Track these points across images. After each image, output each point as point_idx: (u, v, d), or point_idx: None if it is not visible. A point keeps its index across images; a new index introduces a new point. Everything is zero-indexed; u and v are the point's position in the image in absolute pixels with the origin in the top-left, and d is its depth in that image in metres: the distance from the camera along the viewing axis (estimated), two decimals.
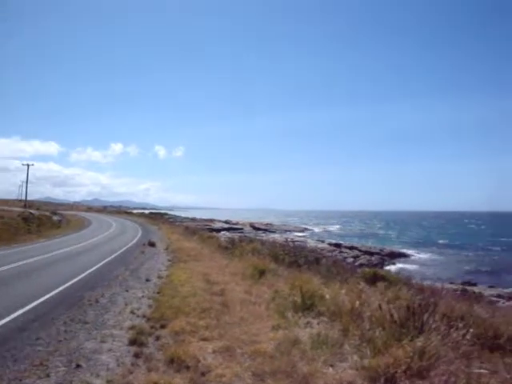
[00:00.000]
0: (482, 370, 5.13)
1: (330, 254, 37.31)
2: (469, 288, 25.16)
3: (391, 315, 5.78)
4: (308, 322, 7.55)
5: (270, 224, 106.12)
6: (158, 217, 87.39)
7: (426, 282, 15.18)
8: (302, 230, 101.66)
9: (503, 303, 24.79)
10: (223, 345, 6.50)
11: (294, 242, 34.57)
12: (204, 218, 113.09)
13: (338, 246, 55.86)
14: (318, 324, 7.38)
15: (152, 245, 25.34)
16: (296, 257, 16.14)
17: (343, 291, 9.13)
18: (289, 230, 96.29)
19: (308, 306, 8.31)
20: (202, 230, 48.68)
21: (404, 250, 60.53)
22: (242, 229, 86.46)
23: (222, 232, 68.41)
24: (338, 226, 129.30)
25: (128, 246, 25.15)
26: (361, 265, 38.93)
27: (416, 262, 52.51)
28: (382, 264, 44.80)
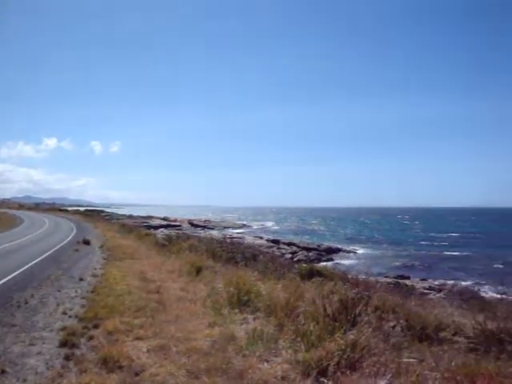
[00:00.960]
0: (410, 360, 5.31)
1: (267, 250, 37.57)
2: (402, 281, 26.03)
3: (325, 309, 5.89)
4: (244, 318, 7.57)
5: (209, 221, 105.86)
6: (94, 214, 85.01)
7: (362, 277, 15.57)
8: (241, 227, 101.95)
9: (434, 295, 25.85)
10: (158, 343, 6.41)
11: (231, 238, 34.68)
12: (142, 215, 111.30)
13: (276, 242, 56.33)
14: (254, 320, 7.41)
15: (87, 243, 24.66)
16: (233, 253, 16.18)
17: (279, 287, 9.23)
18: (227, 227, 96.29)
19: (244, 302, 8.34)
20: (140, 228, 47.79)
21: (341, 246, 61.92)
22: (180, 226, 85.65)
23: (160, 229, 67.46)
24: (275, 223, 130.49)
25: (61, 245, 24.30)
26: (299, 260, 39.52)
27: (352, 257, 53.84)
28: (319, 259, 45.60)
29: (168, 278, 12.68)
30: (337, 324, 5.51)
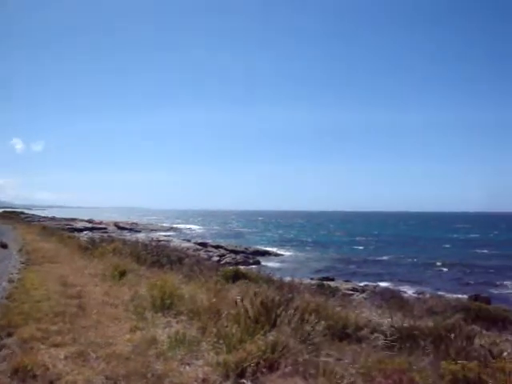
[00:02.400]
0: (328, 359, 5.45)
1: (194, 253, 37.44)
2: (326, 283, 26.64)
3: (246, 311, 5.94)
4: (167, 322, 7.48)
5: (136, 223, 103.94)
6: (13, 216, 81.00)
7: (288, 279, 15.82)
8: (168, 229, 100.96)
9: (357, 296, 26.77)
10: (76, 350, 6.19)
11: (158, 241, 34.20)
12: (65, 217, 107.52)
13: (203, 245, 56.26)
14: (177, 323, 7.34)
15: (4, 246, 23.43)
16: (159, 256, 15.98)
17: (203, 290, 9.20)
18: (155, 230, 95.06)
19: (168, 305, 8.25)
20: (63, 230, 46.21)
21: (269, 249, 62.76)
22: (105, 228, 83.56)
23: (85, 232, 65.60)
24: (203, 225, 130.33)
25: None
26: (226, 263, 39.66)
27: (280, 259, 54.76)
28: (247, 262, 45.98)
29: (90, 282, 12.30)
30: (258, 326, 5.57)
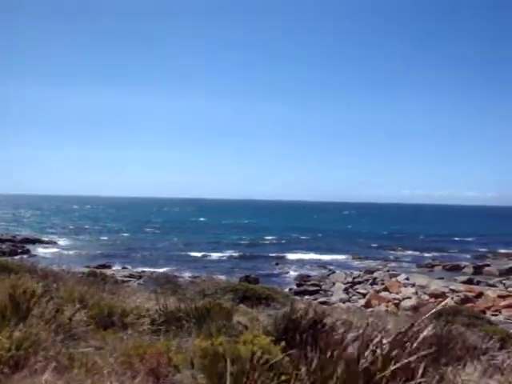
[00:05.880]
0: (88, 349, 5.18)
1: None
2: (101, 271, 25.89)
3: None
4: None
5: None
6: None
7: (62, 268, 14.83)
8: None
9: (134, 282, 26.66)
10: None
11: None
12: None
13: None
14: None
15: None
16: None
17: None
18: None
19: None
20: None
21: (43, 237, 58.74)
22: None
23: None
24: None
25: None
26: None
27: (54, 247, 51.71)
28: (15, 252, 42.27)
29: None
30: (4, 322, 5.01)
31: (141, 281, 26.88)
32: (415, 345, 3.41)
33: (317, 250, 57.84)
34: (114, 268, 37.02)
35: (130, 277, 30.96)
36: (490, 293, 34.13)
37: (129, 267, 38.53)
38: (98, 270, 19.95)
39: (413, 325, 3.44)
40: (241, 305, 11.27)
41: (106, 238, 65.71)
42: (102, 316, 7.45)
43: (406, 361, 2.98)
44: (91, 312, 7.10)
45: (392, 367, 2.95)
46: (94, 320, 6.94)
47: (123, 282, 23.23)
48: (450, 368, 4.87)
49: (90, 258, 45.05)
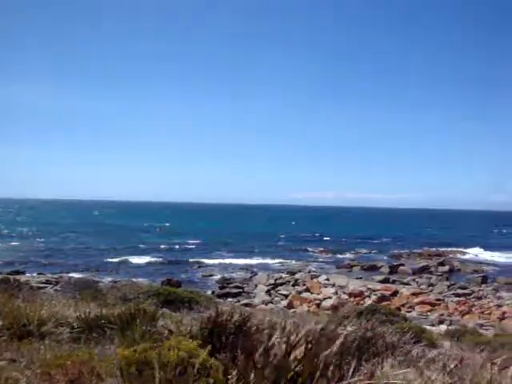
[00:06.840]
0: (1, 362, 4.91)
1: None
2: (14, 277, 24.63)
3: None
4: None
5: None
6: None
7: None
8: None
9: (50, 288, 25.52)
10: None
11: None
12: None
13: None
14: None
15: None
16: None
17: None
18: None
19: None
20: None
21: None
22: None
23: None
24: None
25: None
26: None
27: None
28: None
29: None
30: None
31: (58, 287, 25.80)
32: (339, 342, 3.51)
33: (239, 252, 58.25)
34: (28, 274, 35.28)
35: (46, 283, 29.68)
36: (405, 291, 36.25)
37: (45, 273, 36.86)
38: (11, 277, 18.90)
39: (340, 323, 3.53)
40: (164, 309, 11.11)
41: (17, 243, 62.42)
42: (17, 326, 7.07)
43: (335, 359, 3.04)
44: (5, 321, 6.74)
45: (320, 364, 3.01)
46: (7, 330, 6.58)
47: (39, 288, 22.24)
48: (370, 363, 5.06)
49: (0, 264, 42.72)
